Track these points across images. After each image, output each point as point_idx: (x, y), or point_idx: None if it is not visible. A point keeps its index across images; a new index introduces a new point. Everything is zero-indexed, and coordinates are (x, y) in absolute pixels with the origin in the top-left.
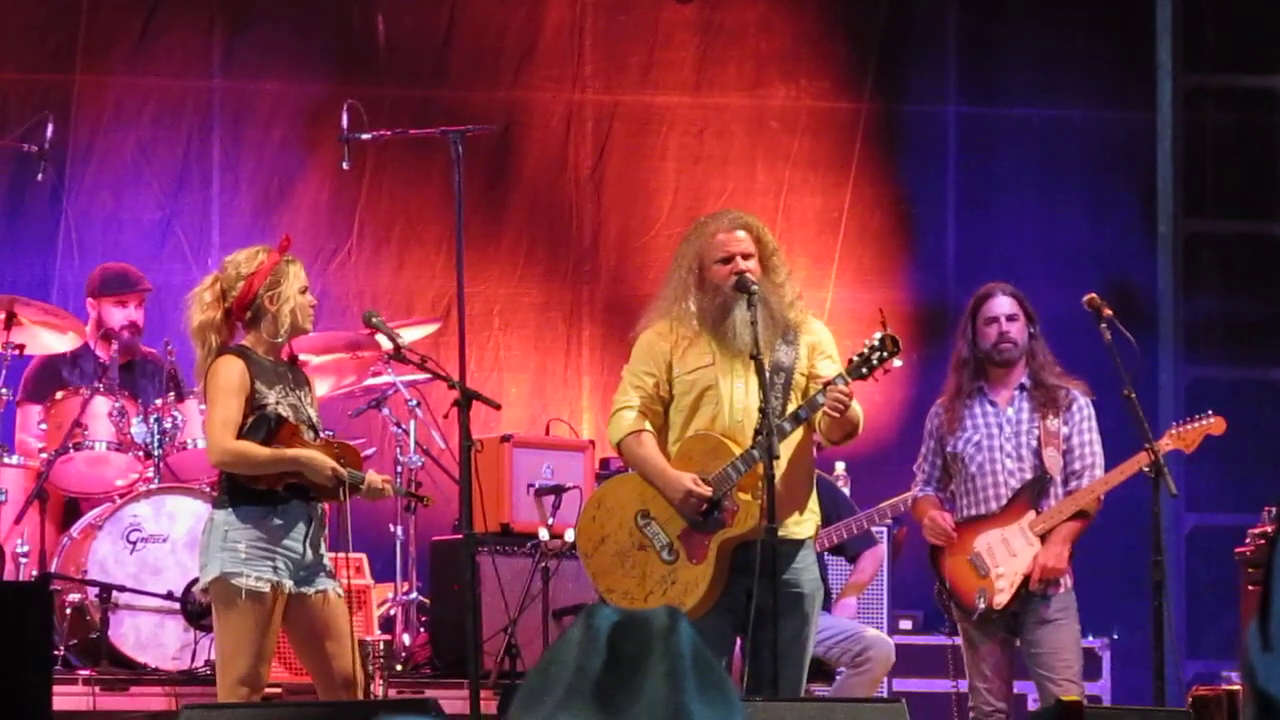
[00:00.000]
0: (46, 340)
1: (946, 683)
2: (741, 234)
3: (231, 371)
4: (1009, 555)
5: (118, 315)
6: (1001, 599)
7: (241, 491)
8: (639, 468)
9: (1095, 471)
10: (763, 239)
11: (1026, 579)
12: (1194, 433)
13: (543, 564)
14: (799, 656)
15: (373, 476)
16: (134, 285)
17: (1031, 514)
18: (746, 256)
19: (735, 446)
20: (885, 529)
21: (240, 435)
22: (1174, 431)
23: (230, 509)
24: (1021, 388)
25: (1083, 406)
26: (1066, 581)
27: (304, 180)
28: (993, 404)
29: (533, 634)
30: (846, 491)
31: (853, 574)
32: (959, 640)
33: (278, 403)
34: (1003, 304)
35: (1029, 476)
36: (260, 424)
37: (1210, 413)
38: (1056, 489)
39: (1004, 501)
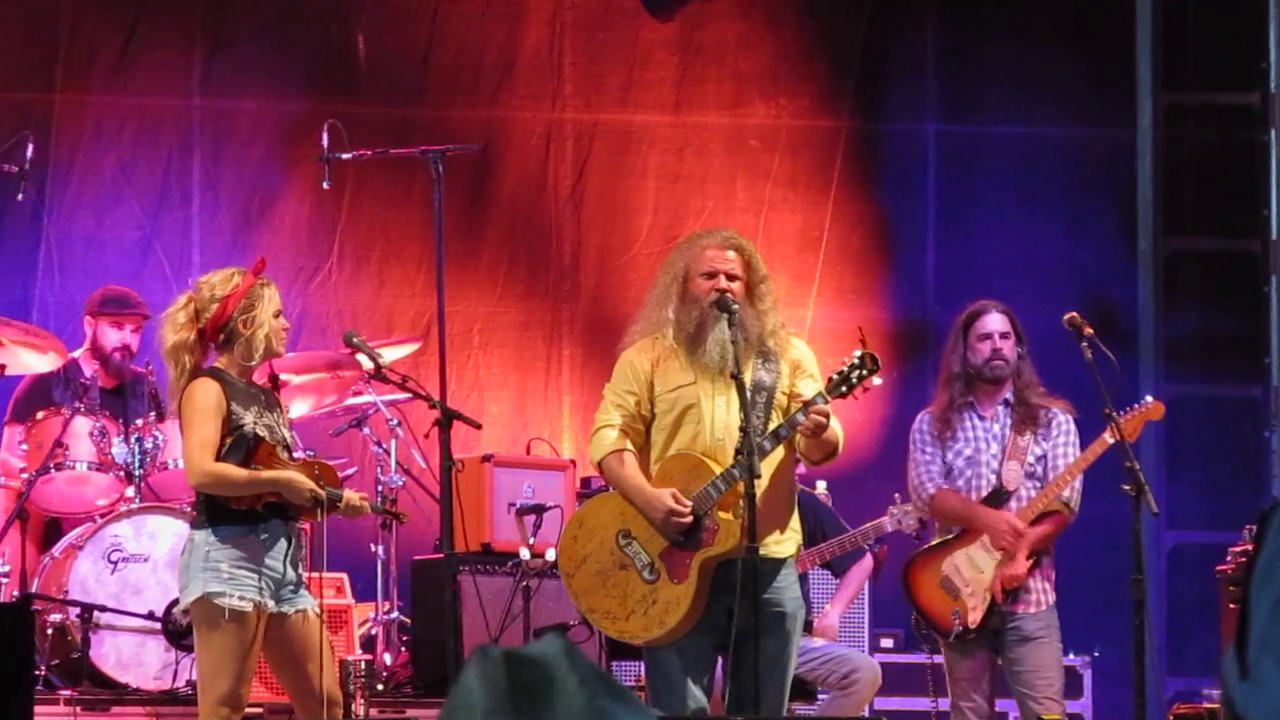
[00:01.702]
0: (27, 360)
1: (925, 701)
2: (731, 254)
3: (208, 394)
4: (976, 572)
5: (113, 336)
6: (975, 616)
7: (221, 511)
8: (620, 487)
9: (1074, 488)
10: (753, 264)
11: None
12: (1134, 420)
13: (524, 583)
14: (781, 675)
15: (350, 494)
16: (132, 307)
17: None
18: (731, 277)
19: (716, 465)
20: (866, 549)
21: (219, 457)
22: (1114, 423)
23: (210, 529)
24: (1006, 403)
25: (1062, 423)
26: (1048, 599)
27: (284, 199)
28: (981, 417)
29: None
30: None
31: (839, 588)
32: (938, 658)
33: (254, 423)
34: (996, 321)
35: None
36: (239, 445)
37: (1149, 398)
38: (1019, 504)
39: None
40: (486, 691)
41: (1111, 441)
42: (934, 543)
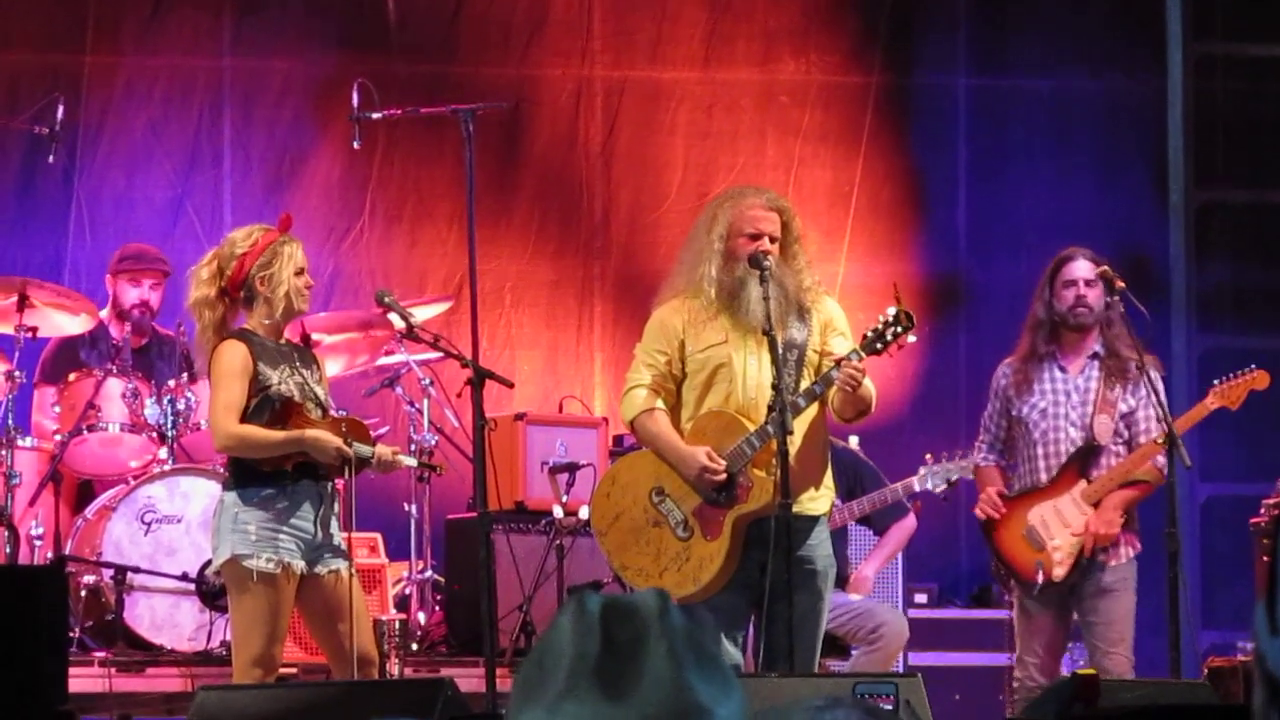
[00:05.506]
0: (59, 322)
1: (959, 655)
2: (774, 216)
3: (234, 356)
4: (1063, 526)
5: (131, 293)
6: (1060, 571)
7: (249, 473)
8: (653, 445)
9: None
10: (789, 224)
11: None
12: (1238, 388)
13: (557, 541)
14: (813, 632)
15: (382, 449)
16: (149, 262)
17: (1083, 483)
18: (773, 239)
19: (749, 423)
20: (909, 508)
21: (244, 418)
22: (1218, 389)
23: (238, 490)
24: (1095, 355)
25: (1154, 379)
26: (1128, 551)
27: (315, 158)
28: (1063, 369)
29: (548, 611)
30: None
31: (877, 545)
32: (1001, 613)
33: (281, 383)
34: (1082, 268)
35: None
36: (264, 406)
37: (1253, 366)
38: (1109, 458)
39: (1054, 472)
40: (577, 649)
41: (1213, 407)
42: (1017, 490)
